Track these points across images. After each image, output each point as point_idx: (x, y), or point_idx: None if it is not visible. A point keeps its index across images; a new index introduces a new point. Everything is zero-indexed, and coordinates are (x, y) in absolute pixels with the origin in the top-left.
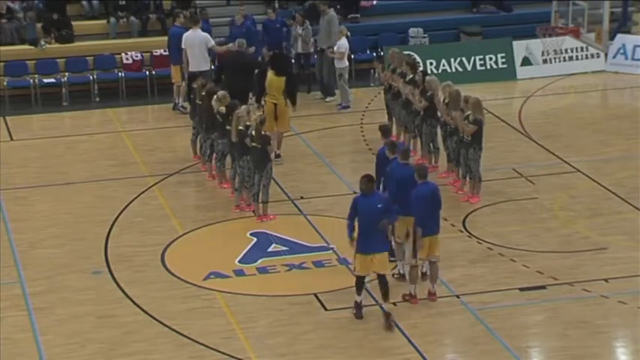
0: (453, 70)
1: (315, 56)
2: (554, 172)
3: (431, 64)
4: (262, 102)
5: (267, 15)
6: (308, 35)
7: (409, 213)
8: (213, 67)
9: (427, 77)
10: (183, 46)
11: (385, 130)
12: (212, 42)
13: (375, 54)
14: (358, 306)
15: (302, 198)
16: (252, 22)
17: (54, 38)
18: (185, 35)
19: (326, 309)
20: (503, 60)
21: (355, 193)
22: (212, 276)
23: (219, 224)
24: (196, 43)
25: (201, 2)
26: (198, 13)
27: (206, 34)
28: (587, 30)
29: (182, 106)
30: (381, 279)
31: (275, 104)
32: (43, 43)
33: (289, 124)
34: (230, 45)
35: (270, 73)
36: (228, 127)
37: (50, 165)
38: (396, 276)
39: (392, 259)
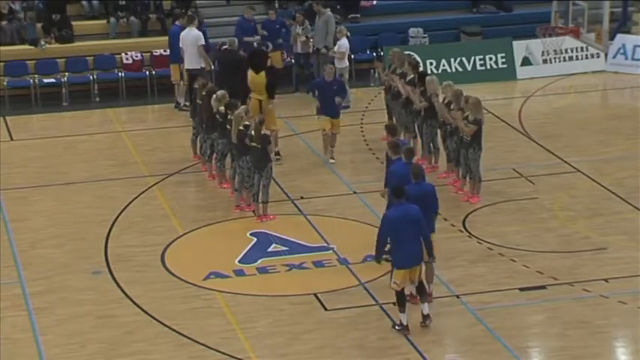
0: (453, 70)
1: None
2: (554, 172)
3: (431, 64)
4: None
5: (267, 15)
6: (306, 34)
7: None
8: (214, 67)
9: (427, 77)
10: (180, 44)
11: (392, 129)
12: (202, 41)
13: (375, 54)
14: (404, 327)
15: (302, 198)
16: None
17: (54, 38)
18: (182, 34)
19: (326, 309)
20: (503, 60)
21: (355, 193)
22: (212, 276)
23: (219, 224)
24: (190, 41)
25: (202, 2)
26: (194, 13)
27: (199, 33)
28: (587, 30)
29: (184, 105)
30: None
31: (260, 101)
32: (43, 43)
33: (276, 122)
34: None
35: (250, 72)
36: (228, 127)
37: (50, 165)
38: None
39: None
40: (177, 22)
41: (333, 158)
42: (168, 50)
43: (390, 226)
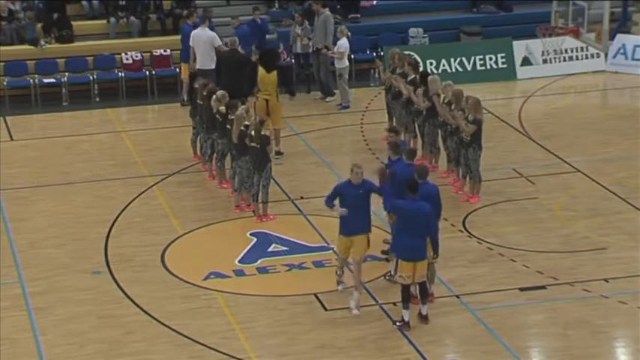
0: (453, 70)
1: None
2: (554, 172)
3: (431, 64)
4: (255, 100)
5: (254, 15)
6: (306, 35)
7: None
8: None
9: (429, 77)
10: (191, 43)
11: (394, 131)
12: (218, 42)
13: (375, 54)
14: (405, 323)
15: (302, 198)
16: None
17: (54, 38)
18: (193, 33)
19: (326, 309)
20: (503, 60)
21: None
22: (212, 276)
23: (219, 224)
24: (203, 41)
25: (202, 2)
26: (203, 12)
27: (213, 34)
28: (587, 30)
29: (185, 102)
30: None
31: (267, 100)
32: (43, 43)
33: (283, 121)
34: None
35: (260, 70)
36: (228, 127)
37: (50, 165)
38: (387, 277)
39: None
40: (188, 22)
41: (358, 309)
42: (168, 50)
43: (400, 216)
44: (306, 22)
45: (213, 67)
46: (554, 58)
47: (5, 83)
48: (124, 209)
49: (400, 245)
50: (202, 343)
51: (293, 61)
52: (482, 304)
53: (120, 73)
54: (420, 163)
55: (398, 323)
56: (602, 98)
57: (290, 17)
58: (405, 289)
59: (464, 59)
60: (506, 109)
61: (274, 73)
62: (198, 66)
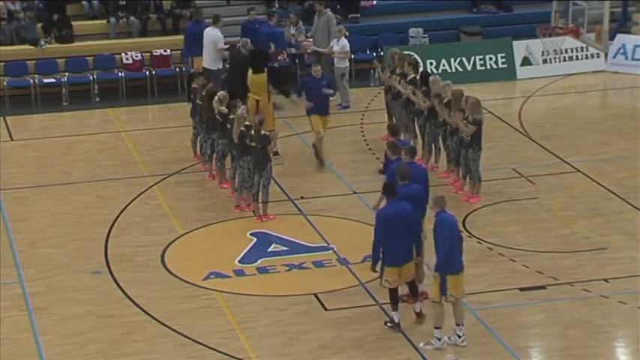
0: (453, 70)
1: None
2: (554, 172)
3: (431, 64)
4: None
5: (248, 16)
6: (301, 35)
7: None
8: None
9: (430, 77)
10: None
11: (393, 130)
12: (221, 45)
13: (375, 54)
14: (395, 324)
15: (302, 198)
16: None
17: (54, 38)
18: (204, 32)
19: (326, 309)
20: (503, 60)
21: (355, 193)
22: (212, 276)
23: (219, 224)
24: (208, 40)
25: (201, 2)
26: (195, 13)
27: (219, 35)
28: (587, 30)
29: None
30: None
31: (257, 101)
32: (43, 43)
33: (274, 122)
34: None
35: (250, 71)
36: (228, 127)
37: (50, 165)
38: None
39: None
40: (214, 26)
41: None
42: (168, 50)
43: (383, 223)
44: (300, 23)
45: (215, 67)
46: (554, 58)
47: (5, 83)
48: (124, 209)
49: (388, 252)
50: (202, 343)
51: (289, 60)
52: (482, 304)
53: (120, 73)
54: (404, 164)
55: (389, 324)
56: (602, 98)
57: (286, 17)
58: (393, 291)
59: (464, 59)
60: (506, 109)
61: (263, 74)
62: (203, 64)
